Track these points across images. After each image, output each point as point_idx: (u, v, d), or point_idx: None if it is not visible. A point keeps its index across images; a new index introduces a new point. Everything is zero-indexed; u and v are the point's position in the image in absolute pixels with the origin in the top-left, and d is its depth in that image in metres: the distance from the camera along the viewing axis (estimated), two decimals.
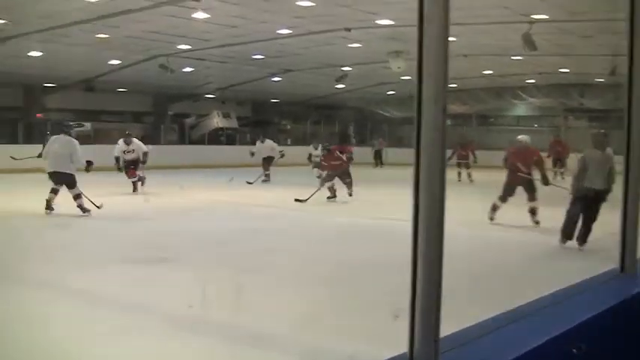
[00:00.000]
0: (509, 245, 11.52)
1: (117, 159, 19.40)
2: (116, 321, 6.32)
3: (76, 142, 14.65)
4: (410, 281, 2.21)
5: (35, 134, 33.54)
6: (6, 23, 20.96)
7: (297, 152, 39.63)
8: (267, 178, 24.94)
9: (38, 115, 36.09)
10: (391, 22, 21.10)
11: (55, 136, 15.18)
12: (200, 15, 20.17)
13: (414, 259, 2.19)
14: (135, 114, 40.93)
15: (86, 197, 14.12)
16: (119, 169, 19.47)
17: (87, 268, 8.68)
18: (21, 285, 7.75)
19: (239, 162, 30.72)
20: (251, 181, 23.43)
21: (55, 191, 14.13)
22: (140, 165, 19.90)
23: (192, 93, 38.76)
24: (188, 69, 30.69)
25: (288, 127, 46.34)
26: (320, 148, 20.98)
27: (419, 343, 2.17)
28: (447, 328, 2.31)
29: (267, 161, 25.48)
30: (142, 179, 19.84)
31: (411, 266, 2.20)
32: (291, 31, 22.97)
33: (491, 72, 32.23)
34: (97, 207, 14.18)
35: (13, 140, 32.54)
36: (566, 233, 10.88)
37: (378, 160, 38.53)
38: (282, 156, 25.78)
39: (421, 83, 2.16)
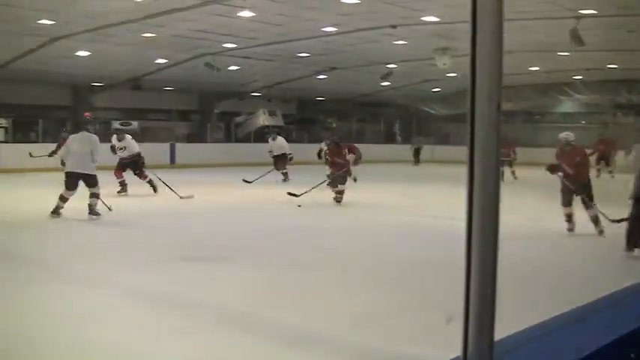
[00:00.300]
0: (565, 246, 11.29)
1: (112, 147, 18.62)
2: (175, 320, 6.31)
3: (96, 138, 13.97)
4: (463, 282, 2.16)
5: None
6: (54, 24, 21.20)
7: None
8: (285, 178, 24.06)
9: (86, 114, 36.41)
10: (437, 19, 20.98)
11: (74, 135, 14.35)
12: (246, 13, 20.22)
13: (467, 260, 2.13)
14: (181, 112, 41.20)
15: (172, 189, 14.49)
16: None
17: (143, 267, 8.72)
18: (79, 284, 7.80)
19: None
20: (249, 180, 22.34)
21: (64, 199, 13.26)
22: (141, 166, 18.82)
23: (238, 91, 38.88)
24: (234, 67, 30.78)
25: (334, 124, 46.25)
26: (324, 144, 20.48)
27: (473, 347, 2.12)
28: (501, 331, 2.25)
29: (280, 160, 24.78)
30: (152, 183, 18.55)
31: (465, 267, 2.15)
32: (336, 29, 22.91)
33: (537, 68, 31.87)
34: (109, 209, 13.85)
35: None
36: (633, 241, 9.74)
37: (417, 158, 38.10)
38: (291, 159, 25.09)
39: (474, 79, 2.10)
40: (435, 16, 20.62)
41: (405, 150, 39.18)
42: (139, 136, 36.00)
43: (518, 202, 14.53)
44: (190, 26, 22.01)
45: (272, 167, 24.42)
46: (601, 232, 11.84)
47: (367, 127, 46.13)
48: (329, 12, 20.33)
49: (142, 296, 7.29)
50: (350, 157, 17.16)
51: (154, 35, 23.45)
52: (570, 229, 12.29)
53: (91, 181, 13.29)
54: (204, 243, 10.94)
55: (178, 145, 33.73)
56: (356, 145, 19.14)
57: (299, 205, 15.33)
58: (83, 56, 26.59)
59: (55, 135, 33.51)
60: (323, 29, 22.97)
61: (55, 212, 13.08)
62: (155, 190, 18.32)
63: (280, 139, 25.47)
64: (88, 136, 13.86)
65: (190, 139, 38.70)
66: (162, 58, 28.69)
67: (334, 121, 46.32)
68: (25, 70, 28.31)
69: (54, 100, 35.21)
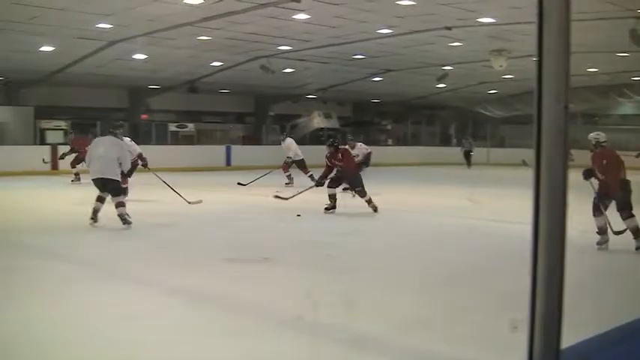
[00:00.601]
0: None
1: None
2: (223, 321, 6.32)
3: (124, 143, 13.05)
4: (529, 288, 2.11)
5: (140, 135, 34.30)
6: (112, 28, 21.46)
7: (397, 152, 39.70)
8: (289, 182, 22.20)
9: (143, 116, 36.93)
10: (493, 20, 20.79)
11: (99, 138, 13.36)
12: (301, 16, 20.25)
13: (533, 265, 2.09)
14: (237, 115, 41.42)
15: (179, 194, 13.72)
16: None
17: (192, 268, 8.73)
18: (128, 284, 7.86)
19: None
20: (244, 183, 21.41)
21: (101, 199, 12.19)
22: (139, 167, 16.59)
23: (293, 94, 38.98)
24: (289, 70, 30.84)
25: (389, 127, 46.17)
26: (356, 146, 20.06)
27: (539, 354, 2.07)
28: (568, 339, 2.20)
29: (287, 163, 22.81)
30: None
31: (531, 272, 2.10)
32: (391, 31, 22.81)
33: (596, 70, 31.41)
34: (189, 202, 13.68)
35: None
36: None
37: (468, 160, 37.50)
38: (301, 160, 22.77)
39: (541, 81, 2.06)
40: (490, 17, 20.42)
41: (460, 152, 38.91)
42: (195, 139, 36.57)
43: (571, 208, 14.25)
44: (246, 29, 22.08)
45: (287, 170, 22.60)
46: (638, 249, 10.02)
47: (423, 130, 45.89)
48: (384, 14, 20.24)
49: (189, 297, 7.30)
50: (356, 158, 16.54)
51: (209, 38, 23.59)
52: (600, 244, 10.31)
53: (112, 187, 12.05)
54: (248, 244, 10.92)
55: (234, 147, 33.83)
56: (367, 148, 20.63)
57: (298, 215, 14.09)
58: (140, 59, 26.89)
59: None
60: (378, 31, 22.88)
61: (93, 217, 12.07)
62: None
63: (288, 141, 23.42)
64: (116, 141, 12.60)
65: (246, 141, 38.89)
66: (218, 60, 28.84)
67: (389, 123, 46.20)
68: (83, 73, 28.74)
69: (111, 102, 35.70)
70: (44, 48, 24.33)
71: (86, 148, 14.43)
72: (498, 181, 25.24)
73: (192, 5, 18.70)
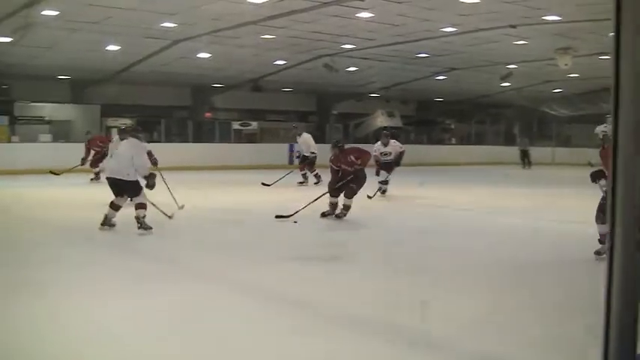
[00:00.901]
0: None
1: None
2: (287, 319, 6.33)
3: (144, 144, 11.99)
4: (604, 290, 2.06)
5: (203, 133, 34.64)
6: (176, 27, 21.68)
7: (461, 152, 39.42)
8: (304, 180, 21.71)
9: (207, 114, 37.21)
10: (558, 18, 20.51)
11: (121, 141, 12.34)
12: (364, 14, 20.23)
13: (609, 267, 2.04)
14: (300, 113, 41.51)
15: (156, 207, 12.07)
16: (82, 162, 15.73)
17: (259, 265, 8.78)
18: (197, 280, 7.93)
19: (406, 161, 30.56)
20: (268, 183, 20.46)
21: (115, 207, 11.46)
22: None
23: (356, 92, 38.93)
24: (352, 68, 30.82)
25: (452, 126, 45.83)
26: (379, 144, 19.01)
27: (614, 359, 2.02)
28: None
29: (305, 160, 22.00)
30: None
31: (606, 274, 2.05)
32: (455, 29, 22.66)
33: None
34: (169, 217, 12.21)
35: (184, 139, 33.74)
36: None
37: (526, 160, 36.68)
38: (313, 157, 21.86)
39: (618, 80, 2.01)
40: (556, 15, 20.15)
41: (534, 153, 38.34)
42: (258, 137, 36.73)
43: None
44: (309, 28, 22.13)
45: (304, 168, 21.98)
46: None
47: (487, 129, 45.46)
48: (448, 12, 20.11)
49: (258, 294, 7.33)
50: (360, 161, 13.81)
51: (273, 37, 23.69)
52: (599, 253, 8.87)
53: (128, 189, 11.30)
54: (315, 242, 10.94)
55: (297, 146, 33.87)
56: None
57: (295, 222, 12.54)
58: (204, 58, 27.12)
59: (181, 134, 34.47)
60: (442, 29, 22.72)
61: (105, 223, 11.40)
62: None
63: (305, 136, 22.58)
64: (134, 142, 11.67)
65: None
66: (281, 59, 28.94)
67: (453, 122, 45.88)
68: (148, 72, 29.11)
69: (175, 100, 36.08)
70: (110, 47, 24.70)
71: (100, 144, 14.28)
72: (560, 181, 24.84)
73: (256, 4, 18.80)
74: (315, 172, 21.52)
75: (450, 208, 15.51)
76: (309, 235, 11.79)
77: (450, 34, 23.31)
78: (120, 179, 11.18)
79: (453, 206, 15.92)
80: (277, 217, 12.83)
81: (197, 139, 33.60)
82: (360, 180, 13.63)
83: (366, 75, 33.49)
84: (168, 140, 32.94)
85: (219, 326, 6.04)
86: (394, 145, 19.03)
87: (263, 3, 18.71)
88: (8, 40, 22.07)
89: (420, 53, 27.73)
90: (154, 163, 13.83)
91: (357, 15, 20.26)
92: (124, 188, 11.26)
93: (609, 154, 6.10)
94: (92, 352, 5.33)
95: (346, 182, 13.50)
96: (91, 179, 21.45)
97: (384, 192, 18.25)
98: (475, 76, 33.82)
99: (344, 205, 13.42)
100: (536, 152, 37.10)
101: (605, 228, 8.31)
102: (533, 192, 20.29)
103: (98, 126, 32.19)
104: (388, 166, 18.54)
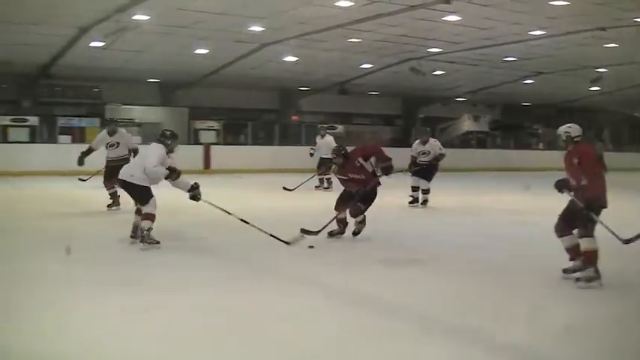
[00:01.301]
0: None
1: (88, 150, 14.63)
2: (376, 323, 6.30)
3: (157, 148, 10.33)
4: None
5: (289, 136, 34.91)
6: (264, 30, 21.92)
7: (548, 157, 38.79)
8: (328, 185, 20.19)
9: (293, 117, 37.48)
10: None
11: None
12: (451, 18, 20.11)
13: None
14: (385, 117, 41.47)
15: (271, 235, 10.12)
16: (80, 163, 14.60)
17: (341, 268, 8.82)
18: (284, 283, 7.97)
19: (491, 166, 30.47)
20: (290, 188, 18.91)
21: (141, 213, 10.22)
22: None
23: (442, 96, 38.70)
24: (438, 72, 30.62)
25: (540, 131, 45.15)
26: (417, 142, 16.58)
27: None
28: None
29: (324, 163, 19.66)
30: (114, 194, 14.53)
31: None
32: (544, 32, 22.33)
33: None
34: (287, 243, 9.85)
35: (270, 142, 34.08)
36: None
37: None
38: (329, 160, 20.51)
39: None
40: None
41: (611, 157, 37.43)
42: (344, 140, 36.83)
43: None
44: (396, 31, 22.10)
45: (326, 172, 19.77)
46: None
47: None
48: (537, 15, 19.82)
49: (343, 297, 7.34)
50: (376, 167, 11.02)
51: (360, 40, 23.73)
52: (567, 272, 8.14)
53: (133, 193, 10.33)
54: (396, 245, 10.85)
55: (317, 146, 33.86)
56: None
57: (311, 247, 10.05)
58: (291, 61, 27.31)
59: (268, 137, 34.80)
60: (530, 33, 22.43)
61: (133, 235, 10.30)
62: (114, 203, 14.46)
63: (329, 138, 21.02)
64: (155, 146, 10.39)
65: (394, 143, 38.85)
66: (367, 62, 28.96)
67: (540, 127, 45.24)
68: (235, 75, 29.52)
69: (262, 103, 36.50)
70: (199, 51, 25.11)
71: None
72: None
73: (343, 8, 18.88)
74: (329, 177, 19.91)
75: (535, 213, 15.19)
76: (390, 238, 11.67)
77: (539, 37, 23.00)
78: (123, 180, 10.24)
79: (538, 211, 15.57)
80: (302, 231, 10.37)
81: (283, 142, 33.86)
82: (368, 196, 10.84)
83: (453, 79, 33.25)
84: (255, 143, 33.36)
85: (305, 327, 6.07)
86: (434, 145, 16.49)
87: (350, 7, 18.78)
88: (101, 44, 22.63)
89: (507, 57, 27.44)
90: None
91: (443, 18, 20.15)
92: (130, 192, 10.29)
93: (585, 157, 6.88)
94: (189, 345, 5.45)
95: (356, 197, 10.76)
96: None
97: (424, 202, 16.19)
98: (563, 80, 33.26)
99: (356, 220, 11.07)
100: (624, 157, 36.29)
101: (569, 241, 7.98)
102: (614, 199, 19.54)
103: (186, 128, 32.76)
104: (425, 170, 16.09)
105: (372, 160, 10.90)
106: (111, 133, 14.61)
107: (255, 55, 25.92)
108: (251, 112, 35.91)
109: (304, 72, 30.36)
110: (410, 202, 16.05)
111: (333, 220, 10.75)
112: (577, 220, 7.90)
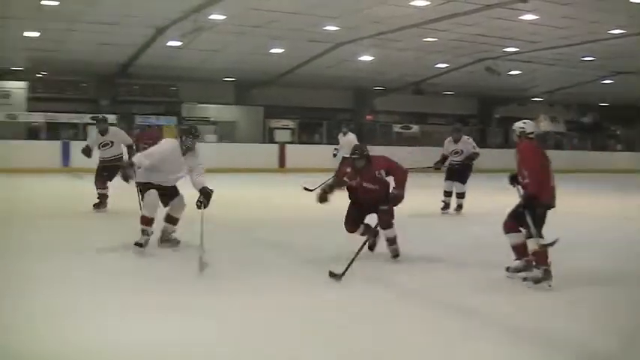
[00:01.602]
0: None
1: (86, 150, 13.66)
2: (460, 325, 6.25)
3: (166, 141, 9.50)
4: None
5: (364, 135, 34.91)
6: (339, 30, 22.00)
7: (628, 158, 38.08)
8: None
9: (368, 117, 37.50)
10: None
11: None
12: (528, 17, 19.93)
13: None
14: (460, 117, 41.21)
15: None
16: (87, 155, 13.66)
17: (408, 268, 8.74)
18: (368, 283, 7.95)
19: (563, 168, 29.86)
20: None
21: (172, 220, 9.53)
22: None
23: (518, 96, 38.30)
24: (514, 72, 30.34)
25: (618, 132, 44.37)
26: (448, 140, 14.83)
27: None
28: None
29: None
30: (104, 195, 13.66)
31: None
32: (624, 31, 21.94)
33: None
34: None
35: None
36: None
37: None
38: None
39: None
40: None
41: None
42: (418, 140, 36.70)
43: None
44: (472, 30, 21.98)
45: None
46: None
47: None
48: (617, 13, 19.47)
49: (418, 298, 7.31)
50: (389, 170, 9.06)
51: (435, 40, 23.66)
52: (509, 270, 8.10)
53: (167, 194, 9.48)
54: (486, 246, 10.52)
55: (339, 146, 33.53)
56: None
57: (337, 275, 8.03)
58: (366, 61, 27.35)
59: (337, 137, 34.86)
60: (610, 32, 22.06)
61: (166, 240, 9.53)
62: (100, 204, 13.51)
63: (351, 136, 19.80)
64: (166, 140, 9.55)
65: None
66: (443, 62, 28.86)
67: (618, 128, 44.42)
68: (310, 74, 29.72)
69: (337, 103, 36.61)
70: (274, 50, 25.35)
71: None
72: None
73: (419, 7, 18.86)
74: None
75: (612, 218, 14.76)
76: (470, 239, 11.30)
77: (618, 36, 22.59)
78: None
79: (614, 215, 15.19)
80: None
81: (358, 141, 33.75)
82: (394, 197, 8.92)
83: (529, 79, 32.91)
84: (330, 142, 33.44)
85: (384, 327, 6.07)
86: (466, 143, 14.76)
87: (426, 6, 18.75)
88: (178, 44, 23.02)
89: (585, 56, 27.02)
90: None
91: (520, 17, 20.00)
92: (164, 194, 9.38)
93: (525, 154, 6.73)
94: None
95: (368, 208, 9.08)
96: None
97: (459, 207, 14.50)
98: None
99: (388, 239, 9.05)
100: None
101: (515, 239, 7.96)
102: None
103: (261, 127, 33.09)
104: (458, 171, 14.60)
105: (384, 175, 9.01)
106: (102, 133, 13.68)
107: (330, 55, 26.07)
108: (326, 111, 36.07)
109: (379, 71, 30.38)
110: (442, 209, 14.48)
111: (360, 250, 8.33)
112: (523, 219, 7.78)
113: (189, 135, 9.21)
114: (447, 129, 34.30)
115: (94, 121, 14.06)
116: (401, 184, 8.94)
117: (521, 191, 7.92)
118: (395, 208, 8.95)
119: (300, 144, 31.98)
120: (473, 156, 14.61)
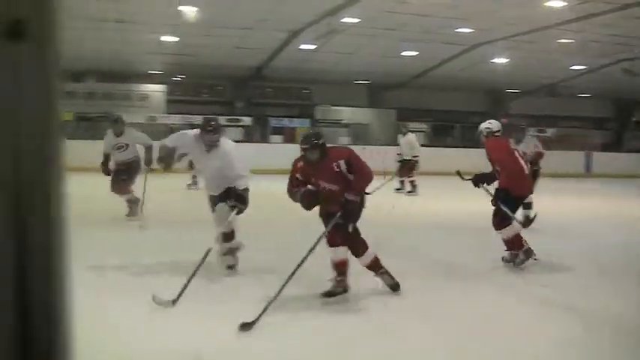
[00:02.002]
0: None
1: (105, 158, 12.65)
2: (564, 329, 6.25)
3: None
4: None
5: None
6: (473, 32, 21.99)
7: None
8: (412, 189, 18.89)
9: (503, 120, 37.08)
10: None
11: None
12: None
13: None
14: (595, 120, 40.33)
15: None
16: (106, 173, 12.55)
17: (473, 274, 8.54)
18: (479, 284, 8.07)
19: None
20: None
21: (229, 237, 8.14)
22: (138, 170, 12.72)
23: None
24: None
25: None
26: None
27: None
28: None
29: (405, 165, 18.88)
30: (133, 200, 12.79)
31: None
32: None
33: None
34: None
35: (478, 144, 33.78)
36: None
37: None
38: (415, 163, 18.77)
39: None
40: None
41: None
42: (554, 144, 36.11)
43: None
44: (608, 31, 21.56)
45: (406, 174, 19.01)
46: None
47: None
48: None
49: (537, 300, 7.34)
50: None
51: (571, 41, 23.32)
52: (503, 260, 8.88)
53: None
54: (548, 250, 10.19)
55: (594, 154, 32.86)
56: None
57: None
58: (500, 63, 27.19)
59: (475, 140, 34.55)
60: None
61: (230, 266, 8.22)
62: (131, 212, 12.72)
63: (410, 137, 19.07)
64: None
65: (605, 147, 37.63)
66: (578, 64, 28.38)
67: None
68: (442, 77, 29.73)
69: (470, 105, 36.34)
70: (407, 52, 25.53)
71: None
72: None
73: (554, 8, 18.67)
74: (412, 179, 18.87)
75: None
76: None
77: None
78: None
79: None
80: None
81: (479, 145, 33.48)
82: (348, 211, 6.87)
83: None
84: (464, 145, 33.28)
85: (500, 328, 6.19)
86: (530, 144, 13.56)
87: (561, 7, 18.55)
88: (312, 47, 23.46)
89: None
90: (147, 162, 11.81)
91: None
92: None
93: (491, 150, 7.80)
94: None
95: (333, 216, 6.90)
96: (188, 185, 18.79)
97: (528, 220, 10.63)
98: None
99: (369, 266, 7.26)
100: None
101: (508, 232, 8.46)
102: None
103: (393, 130, 33.24)
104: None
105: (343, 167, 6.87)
106: (118, 135, 12.64)
107: (464, 57, 26.05)
108: (458, 114, 35.96)
109: (513, 74, 30.07)
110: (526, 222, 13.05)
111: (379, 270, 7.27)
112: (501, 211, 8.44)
113: (203, 130, 7.90)
114: (583, 132, 33.77)
115: (112, 122, 12.95)
116: (359, 184, 6.94)
117: (490, 190, 8.73)
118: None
119: (432, 147, 31.89)
120: (537, 157, 13.37)
